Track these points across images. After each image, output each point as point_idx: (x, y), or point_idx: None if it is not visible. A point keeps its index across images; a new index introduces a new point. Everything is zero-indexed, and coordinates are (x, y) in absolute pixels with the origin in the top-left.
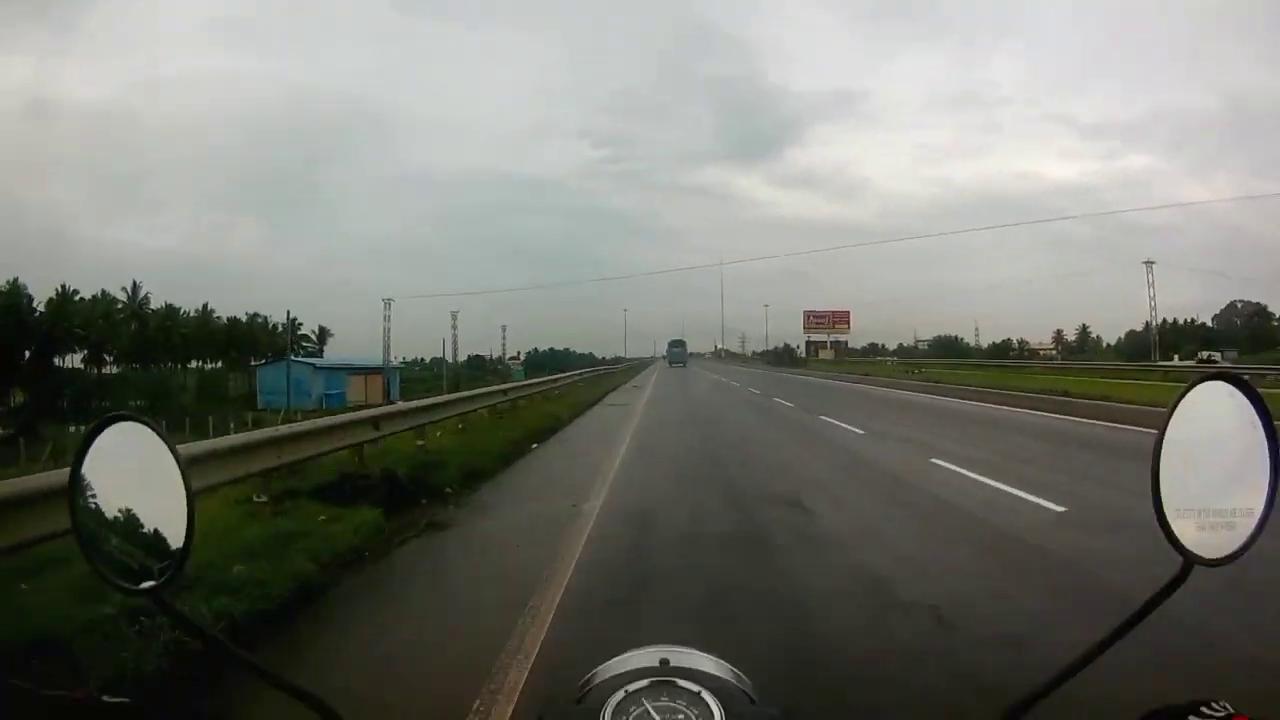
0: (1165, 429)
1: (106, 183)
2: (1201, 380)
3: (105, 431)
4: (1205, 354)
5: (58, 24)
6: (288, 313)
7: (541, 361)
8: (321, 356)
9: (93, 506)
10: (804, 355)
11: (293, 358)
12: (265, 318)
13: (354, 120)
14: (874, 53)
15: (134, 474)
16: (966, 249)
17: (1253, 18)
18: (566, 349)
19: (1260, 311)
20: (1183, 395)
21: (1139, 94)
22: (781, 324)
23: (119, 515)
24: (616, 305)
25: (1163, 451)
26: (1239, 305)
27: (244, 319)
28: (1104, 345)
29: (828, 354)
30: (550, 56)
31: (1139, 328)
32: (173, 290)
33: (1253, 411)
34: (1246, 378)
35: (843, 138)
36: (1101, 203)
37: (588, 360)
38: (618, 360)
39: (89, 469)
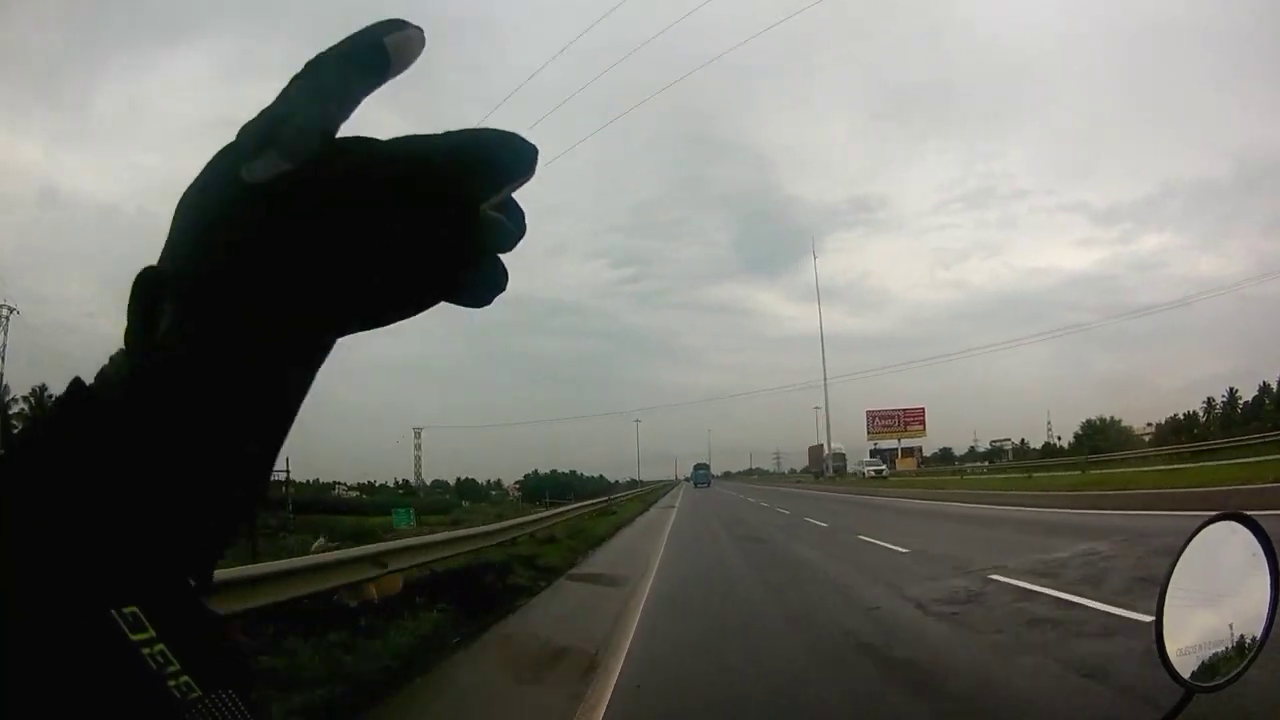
0: (1174, 568)
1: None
2: (1211, 520)
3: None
4: None
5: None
6: None
7: (540, 487)
8: None
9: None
10: (872, 467)
11: None
12: None
13: None
14: (888, 155)
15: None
16: (1001, 350)
17: (1259, 74)
18: (572, 471)
19: None
20: (1193, 536)
21: (1150, 169)
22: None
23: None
24: (632, 425)
25: (1169, 590)
26: None
27: None
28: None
29: (907, 464)
30: (566, 174)
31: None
32: None
33: (1257, 546)
34: (1253, 517)
35: (860, 245)
36: (1118, 288)
37: (593, 485)
38: (634, 484)
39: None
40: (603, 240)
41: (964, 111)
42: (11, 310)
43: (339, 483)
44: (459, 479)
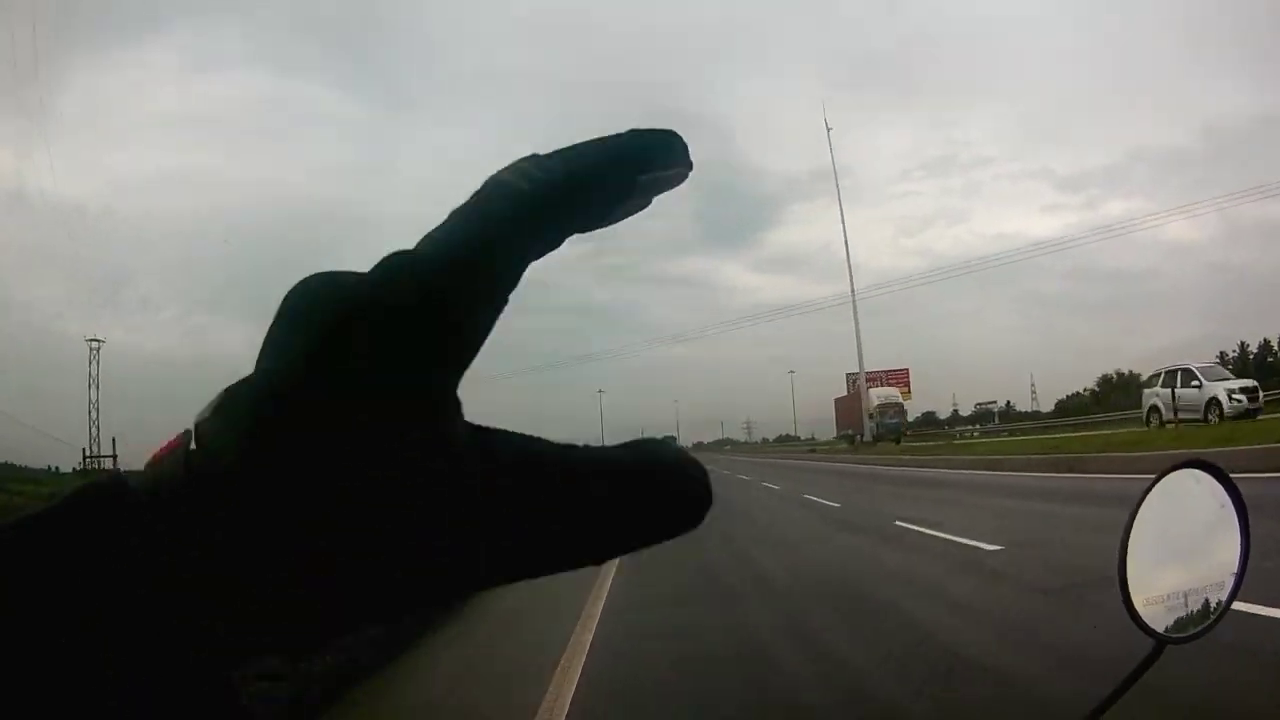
0: (1134, 518)
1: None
2: (1173, 468)
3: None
4: None
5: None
6: None
7: None
8: None
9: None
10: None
11: None
12: None
13: (326, 220)
14: (850, 124)
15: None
16: (958, 311)
17: (1222, 42)
18: None
19: None
20: (1152, 485)
21: (1116, 137)
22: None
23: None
24: (598, 401)
25: (1131, 538)
26: None
27: None
28: None
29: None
30: (522, 148)
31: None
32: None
33: (1224, 494)
34: (1219, 464)
35: (822, 216)
36: (1084, 252)
37: None
38: None
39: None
40: None
41: (927, 79)
42: None
43: None
44: None
